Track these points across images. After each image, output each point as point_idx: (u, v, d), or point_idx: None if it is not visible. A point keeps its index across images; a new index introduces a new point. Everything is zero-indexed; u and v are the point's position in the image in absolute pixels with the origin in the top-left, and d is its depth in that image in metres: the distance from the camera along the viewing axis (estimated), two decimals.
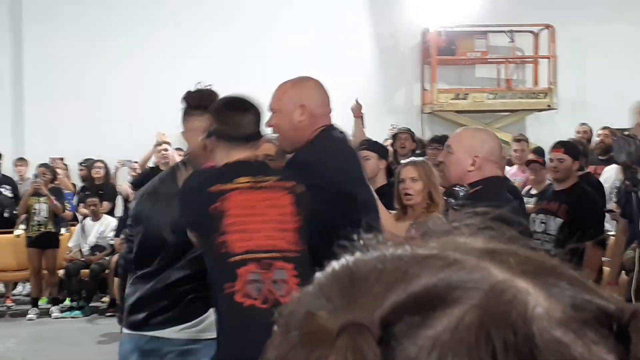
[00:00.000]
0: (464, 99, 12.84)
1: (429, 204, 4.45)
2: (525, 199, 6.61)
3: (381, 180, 5.63)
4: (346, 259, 0.53)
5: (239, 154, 3.00)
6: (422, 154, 7.97)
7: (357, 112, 7.75)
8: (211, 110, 3.09)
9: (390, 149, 8.79)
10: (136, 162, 10.76)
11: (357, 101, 7.89)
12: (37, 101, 12.11)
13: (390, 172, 5.74)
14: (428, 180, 4.49)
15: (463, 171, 3.76)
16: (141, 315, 3.31)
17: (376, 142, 6.48)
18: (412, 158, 5.15)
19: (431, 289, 0.47)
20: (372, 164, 5.53)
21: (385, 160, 5.81)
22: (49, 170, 10.25)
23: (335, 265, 0.53)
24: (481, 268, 0.48)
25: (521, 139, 9.24)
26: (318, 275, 0.53)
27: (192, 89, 3.37)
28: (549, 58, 12.83)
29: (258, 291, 2.77)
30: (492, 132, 4.18)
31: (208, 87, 3.36)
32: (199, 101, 3.31)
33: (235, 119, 3.04)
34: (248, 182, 2.90)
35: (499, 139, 3.98)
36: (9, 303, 10.40)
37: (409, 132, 9.17)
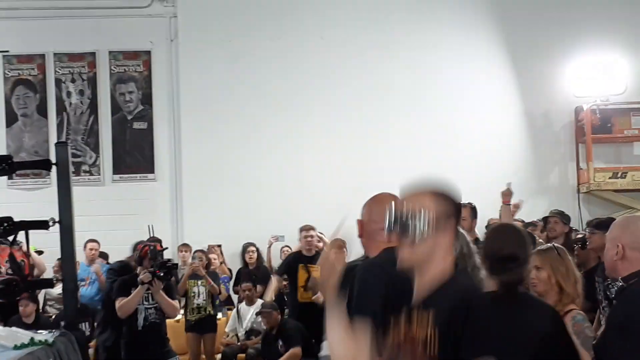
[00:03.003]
0: (623, 177, 12.40)
1: (560, 295, 4.21)
2: None
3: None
4: None
5: None
6: (582, 238, 7.68)
7: (507, 198, 7.59)
8: None
9: (538, 234, 8.53)
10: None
11: (509, 187, 7.73)
12: (194, 189, 12.56)
13: None
14: (553, 269, 4.24)
15: (611, 262, 3.62)
16: None
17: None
18: (542, 246, 4.78)
19: None
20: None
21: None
22: (205, 255, 10.53)
23: None
24: None
25: None
26: None
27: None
28: None
29: None
30: None
31: None
32: None
33: None
34: None
35: None
36: None
37: (558, 215, 8.88)
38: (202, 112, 12.67)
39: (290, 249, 10.99)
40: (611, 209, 12.11)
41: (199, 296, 9.98)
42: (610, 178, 12.43)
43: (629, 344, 3.34)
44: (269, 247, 11.61)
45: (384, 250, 3.36)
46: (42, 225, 4.79)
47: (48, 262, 10.00)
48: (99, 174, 12.85)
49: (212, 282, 9.99)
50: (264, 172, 12.42)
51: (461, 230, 3.84)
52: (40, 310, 10.19)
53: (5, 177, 12.27)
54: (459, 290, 2.61)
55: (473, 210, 7.54)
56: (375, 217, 3.36)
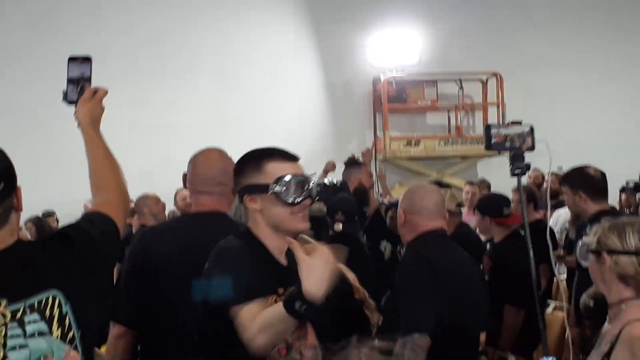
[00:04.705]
0: (417, 145, 12.97)
1: None
2: None
3: None
4: None
5: None
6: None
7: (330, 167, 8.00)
8: None
9: None
10: None
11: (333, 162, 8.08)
12: None
13: None
14: None
15: (399, 228, 3.84)
16: None
17: None
18: None
19: None
20: None
21: None
22: None
23: None
24: None
25: (473, 183, 9.55)
26: None
27: None
28: (497, 105, 13.01)
29: None
30: (430, 187, 4.06)
31: None
32: None
33: None
34: None
35: (437, 194, 3.87)
36: None
37: None
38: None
39: None
40: (406, 176, 12.70)
41: None
42: (404, 146, 12.97)
43: (404, 299, 3.57)
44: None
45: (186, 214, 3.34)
46: None
47: None
48: None
49: None
50: (61, 138, 11.97)
51: None
52: None
53: None
54: None
55: None
56: (196, 177, 3.32)
